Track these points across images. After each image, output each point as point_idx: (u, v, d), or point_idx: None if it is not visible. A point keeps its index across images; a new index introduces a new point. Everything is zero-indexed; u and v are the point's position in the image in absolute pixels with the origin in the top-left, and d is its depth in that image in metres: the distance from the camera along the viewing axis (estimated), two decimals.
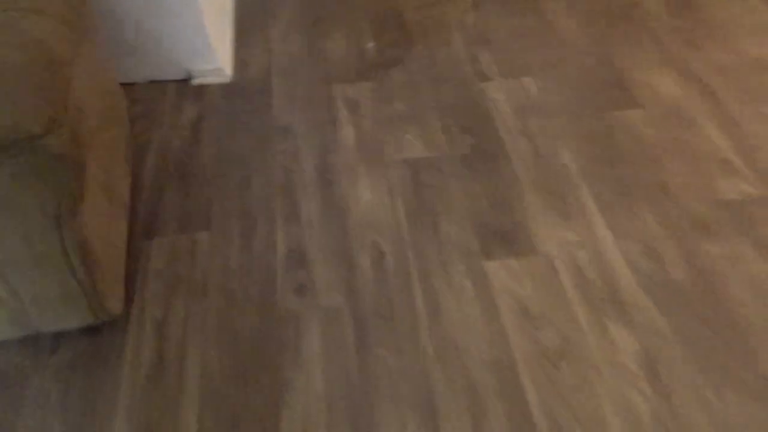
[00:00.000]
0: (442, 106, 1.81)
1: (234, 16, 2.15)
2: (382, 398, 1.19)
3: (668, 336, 1.28)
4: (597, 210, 1.53)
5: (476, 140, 1.70)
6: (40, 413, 1.17)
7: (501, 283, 1.38)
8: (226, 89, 1.87)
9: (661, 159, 1.65)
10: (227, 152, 1.69)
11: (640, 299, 1.36)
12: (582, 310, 1.33)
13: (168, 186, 1.58)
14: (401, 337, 1.29)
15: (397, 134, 1.72)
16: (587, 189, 1.58)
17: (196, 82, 1.88)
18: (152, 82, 1.88)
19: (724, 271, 1.39)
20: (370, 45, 2.02)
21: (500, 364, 1.24)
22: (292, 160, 1.67)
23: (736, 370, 1.22)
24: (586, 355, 1.25)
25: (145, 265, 1.41)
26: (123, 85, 1.85)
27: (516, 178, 1.60)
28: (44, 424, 1.16)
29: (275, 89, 1.87)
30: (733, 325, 1.29)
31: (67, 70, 1.10)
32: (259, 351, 1.27)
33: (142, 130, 1.75)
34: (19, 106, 0.97)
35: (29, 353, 1.25)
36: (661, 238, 1.47)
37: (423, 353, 1.26)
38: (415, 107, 1.81)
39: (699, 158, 1.64)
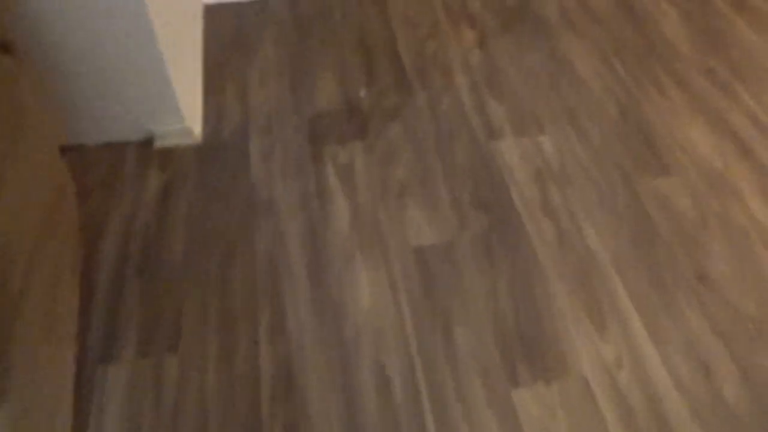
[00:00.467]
0: (449, 172, 1.57)
1: (204, 57, 1.87)
2: None
3: None
4: (633, 309, 1.31)
5: (491, 217, 1.47)
6: None
7: (529, 416, 1.16)
8: (195, 153, 1.60)
9: (700, 239, 1.43)
10: (199, 236, 1.43)
11: (690, 429, 1.15)
12: None
13: (128, 288, 1.33)
14: None
15: (399, 210, 1.48)
16: (620, 280, 1.36)
17: (160, 144, 1.61)
18: (109, 144, 1.61)
19: None
20: (363, 92, 1.76)
21: None
22: (277, 244, 1.42)
23: None
24: None
25: (100, 401, 1.16)
26: (73, 148, 1.58)
27: (540, 268, 1.38)
28: None
29: (254, 152, 1.61)
30: None
31: None
32: None
33: (96, 207, 1.48)
34: None
35: None
36: (707, 345, 1.26)
37: None
38: (418, 173, 1.56)
39: (742, 238, 1.43)
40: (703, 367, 1.23)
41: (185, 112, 1.58)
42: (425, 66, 1.84)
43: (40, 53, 1.41)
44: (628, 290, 1.34)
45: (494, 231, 1.44)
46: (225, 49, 1.91)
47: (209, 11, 2.03)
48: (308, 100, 1.74)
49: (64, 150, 1.35)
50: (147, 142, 1.62)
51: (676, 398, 1.19)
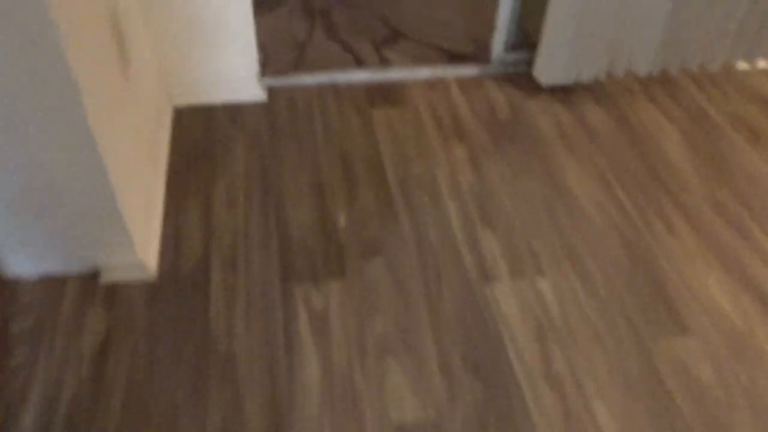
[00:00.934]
0: (438, 324, 1.37)
1: (168, 169, 1.68)
2: None
3: None
4: None
5: (486, 387, 1.27)
6: None
7: None
8: (147, 291, 1.39)
9: (728, 418, 1.24)
10: (138, 407, 1.21)
11: None
12: None
13: None
14: None
15: (379, 375, 1.27)
16: None
17: (106, 279, 1.40)
18: (47, 278, 1.39)
19: None
20: (342, 219, 1.58)
21: None
22: (232, 419, 1.20)
23: None
24: None
25: None
26: (4, 283, 1.36)
27: None
28: None
29: (215, 291, 1.41)
30: None
31: None
32: None
33: (19, 365, 1.25)
34: None
35: None
36: None
37: None
38: (402, 325, 1.37)
39: None
40: None
41: (138, 241, 1.38)
42: (412, 187, 1.67)
43: None
44: None
45: (490, 404, 1.24)
46: (192, 160, 1.72)
47: (178, 114, 1.86)
48: (280, 226, 1.55)
49: None
50: (92, 276, 1.41)
51: None
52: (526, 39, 2.11)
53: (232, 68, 1.85)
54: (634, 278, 1.48)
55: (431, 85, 2.03)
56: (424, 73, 2.07)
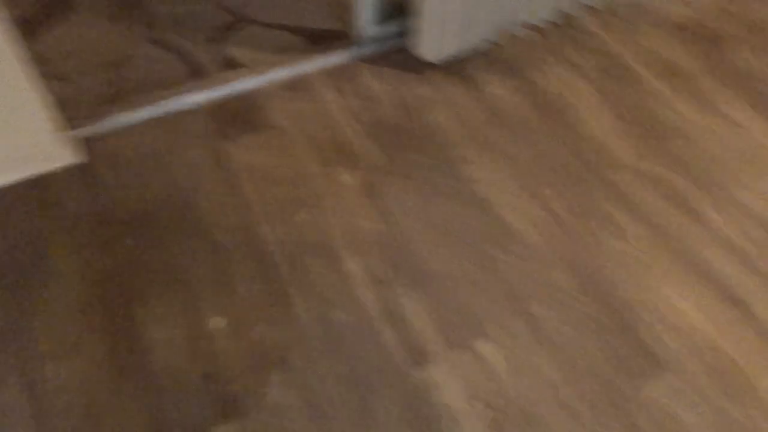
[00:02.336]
0: None
1: None
2: None
3: None
4: None
5: None
6: None
7: None
8: None
9: None
10: None
11: None
12: None
13: None
14: None
15: None
16: None
17: None
18: None
19: None
20: (217, 323, 1.20)
21: None
22: None
23: None
24: None
25: None
26: None
27: None
28: None
29: None
30: None
31: None
32: None
33: None
34: None
35: None
36: None
37: None
38: None
39: None
40: None
41: None
42: (300, 250, 1.30)
43: None
44: None
45: None
46: None
47: None
48: (135, 357, 1.15)
49: None
50: None
51: None
52: (398, 4, 1.70)
53: (18, 132, 1.34)
54: (591, 313, 1.22)
55: (293, 86, 1.60)
56: (281, 74, 1.63)
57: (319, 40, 1.73)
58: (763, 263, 1.29)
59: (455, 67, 1.66)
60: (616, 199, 1.39)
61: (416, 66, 1.66)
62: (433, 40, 1.58)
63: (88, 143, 1.47)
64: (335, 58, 1.68)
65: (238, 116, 1.53)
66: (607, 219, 1.36)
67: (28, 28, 1.74)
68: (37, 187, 1.39)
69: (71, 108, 1.54)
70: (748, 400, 1.12)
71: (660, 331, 1.19)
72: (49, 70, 1.63)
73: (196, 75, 1.64)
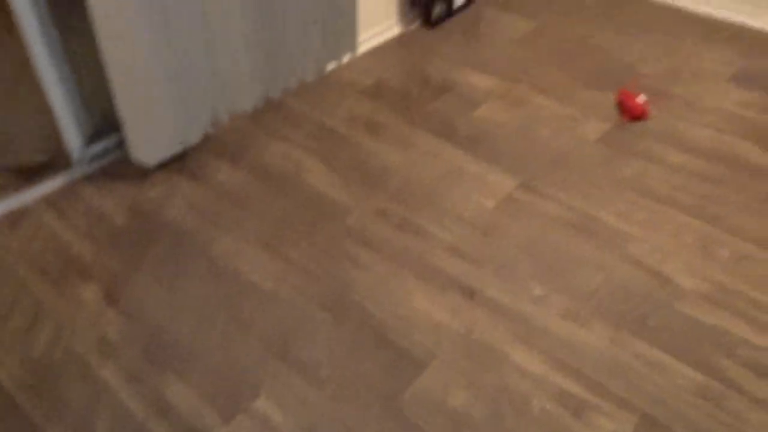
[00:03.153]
0: None
1: None
2: None
3: None
4: None
5: None
6: None
7: None
8: None
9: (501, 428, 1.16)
10: None
11: None
12: None
13: None
14: None
15: None
16: None
17: None
18: None
19: None
20: None
21: None
22: None
23: None
24: None
25: None
26: None
27: None
28: None
29: None
30: None
31: None
32: None
33: None
34: None
35: None
36: None
37: None
38: None
39: (537, 411, 1.21)
40: None
41: None
42: (49, 377, 1.20)
43: None
44: None
45: None
46: None
47: None
48: None
49: None
50: None
51: None
52: (106, 120, 1.74)
53: None
54: (354, 341, 1.30)
55: (13, 222, 1.53)
56: None
57: (34, 172, 1.69)
58: (474, 251, 1.51)
59: (179, 164, 1.73)
60: (352, 237, 1.54)
61: (140, 172, 1.69)
62: (146, 145, 1.64)
63: None
64: (54, 183, 1.64)
65: None
66: (348, 256, 1.49)
67: None
68: None
69: None
70: (504, 367, 1.27)
71: (415, 336, 1.32)
72: None
73: None
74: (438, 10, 2.42)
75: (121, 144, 1.75)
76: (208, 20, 1.65)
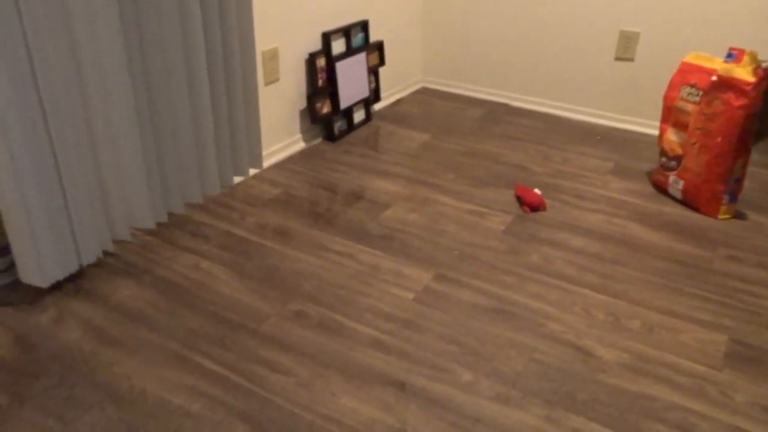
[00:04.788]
0: None
1: None
2: None
3: None
4: None
5: None
6: None
7: None
8: None
9: None
10: None
11: None
12: None
13: None
14: None
15: None
16: None
17: None
18: None
19: None
20: None
21: None
22: None
23: None
24: None
25: None
26: None
27: None
28: None
29: None
30: None
31: None
32: None
33: None
34: None
35: None
36: None
37: None
38: None
39: None
40: None
41: None
42: None
43: None
44: None
45: None
46: None
47: None
48: None
49: None
50: None
51: None
52: None
53: None
54: None
55: None
56: None
57: None
58: (398, 344, 1.47)
59: (75, 284, 1.60)
60: (269, 343, 1.45)
61: (30, 295, 1.55)
62: (37, 267, 1.52)
63: None
64: None
65: None
66: (266, 363, 1.40)
67: None
68: None
69: None
70: None
71: None
72: None
73: None
74: (339, 124, 2.53)
75: (10, 267, 1.60)
76: (95, 141, 1.62)
